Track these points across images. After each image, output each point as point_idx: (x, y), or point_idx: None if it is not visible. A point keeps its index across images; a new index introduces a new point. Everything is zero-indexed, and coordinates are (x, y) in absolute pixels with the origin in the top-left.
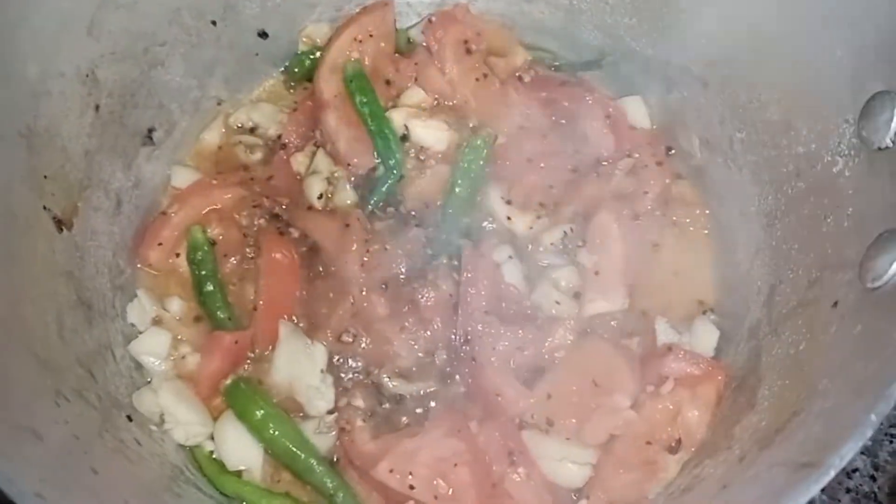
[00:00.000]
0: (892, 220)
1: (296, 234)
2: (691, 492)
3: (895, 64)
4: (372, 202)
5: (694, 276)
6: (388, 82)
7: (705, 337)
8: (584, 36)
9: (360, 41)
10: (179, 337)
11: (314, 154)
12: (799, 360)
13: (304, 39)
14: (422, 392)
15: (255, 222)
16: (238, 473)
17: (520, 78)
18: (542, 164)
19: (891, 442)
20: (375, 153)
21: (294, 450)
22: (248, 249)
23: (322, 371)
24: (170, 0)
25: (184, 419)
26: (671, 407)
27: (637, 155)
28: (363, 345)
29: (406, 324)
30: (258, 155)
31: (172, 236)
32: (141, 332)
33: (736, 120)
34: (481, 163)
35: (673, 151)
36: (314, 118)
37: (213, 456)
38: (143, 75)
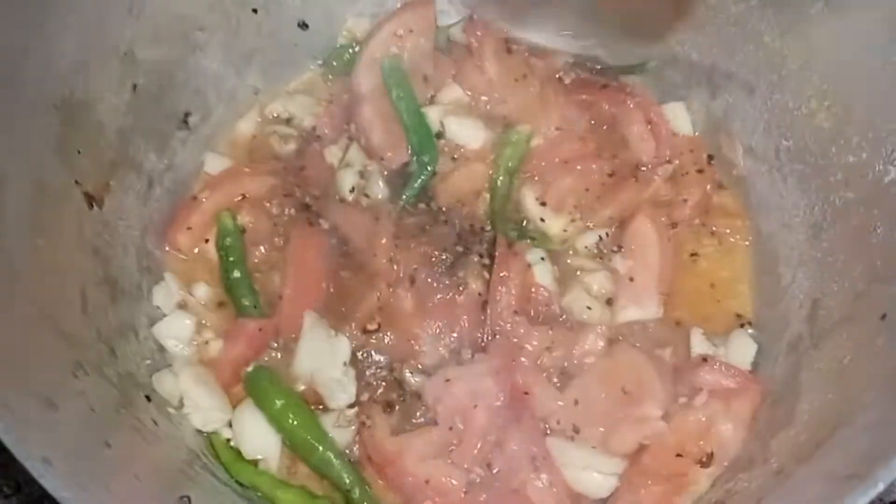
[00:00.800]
0: None
1: (325, 225)
2: None
3: None
4: (404, 197)
5: (732, 288)
6: (425, 79)
7: (742, 350)
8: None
9: (400, 37)
10: (203, 322)
11: (348, 147)
12: (843, 374)
13: (345, 33)
14: None
15: (286, 212)
16: (255, 463)
17: (560, 79)
18: (578, 167)
19: None
20: (409, 148)
21: (312, 442)
22: (277, 239)
23: (345, 364)
24: None
25: (203, 404)
26: (703, 419)
27: (677, 161)
28: (387, 339)
29: (432, 320)
30: (292, 146)
31: (202, 221)
32: (166, 315)
33: (783, 127)
34: (518, 161)
35: (714, 160)
36: (350, 111)
37: (231, 444)
38: (181, 59)
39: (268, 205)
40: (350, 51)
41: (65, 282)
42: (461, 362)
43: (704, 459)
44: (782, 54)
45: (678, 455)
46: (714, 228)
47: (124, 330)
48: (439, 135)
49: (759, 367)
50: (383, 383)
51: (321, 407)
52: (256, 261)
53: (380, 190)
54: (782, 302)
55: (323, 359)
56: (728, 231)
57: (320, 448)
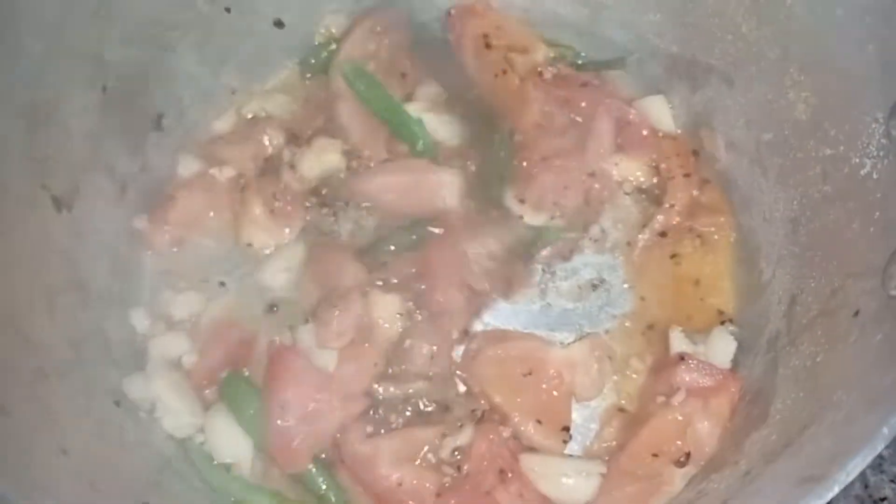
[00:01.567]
0: None
1: None
2: None
3: None
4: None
5: (715, 284)
6: (403, 75)
7: (722, 348)
8: (607, 33)
9: (378, 33)
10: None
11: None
12: (815, 372)
13: (322, 30)
14: (410, 391)
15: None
16: (227, 468)
17: (540, 74)
18: (557, 164)
19: None
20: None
21: None
22: None
23: None
24: None
25: (175, 408)
26: (681, 418)
27: (664, 166)
28: None
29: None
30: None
31: (179, 222)
32: (141, 318)
33: (763, 120)
34: (501, 156)
35: (699, 155)
36: (328, 109)
37: (203, 447)
38: (153, 60)
39: None
40: (328, 49)
41: (31, 287)
42: None
43: (682, 459)
44: (760, 45)
45: (654, 455)
46: (698, 228)
47: (95, 334)
48: None
49: (739, 364)
50: None
51: None
52: None
53: None
54: (762, 298)
55: None
56: (712, 229)
57: None
